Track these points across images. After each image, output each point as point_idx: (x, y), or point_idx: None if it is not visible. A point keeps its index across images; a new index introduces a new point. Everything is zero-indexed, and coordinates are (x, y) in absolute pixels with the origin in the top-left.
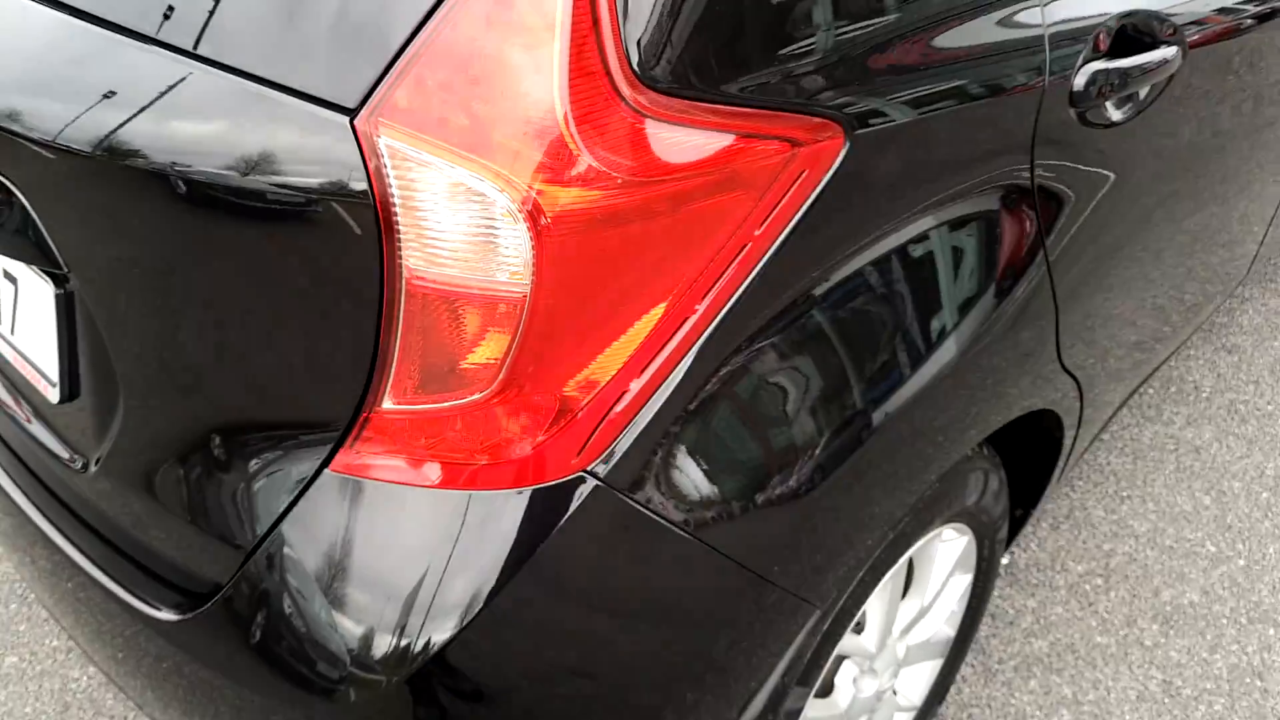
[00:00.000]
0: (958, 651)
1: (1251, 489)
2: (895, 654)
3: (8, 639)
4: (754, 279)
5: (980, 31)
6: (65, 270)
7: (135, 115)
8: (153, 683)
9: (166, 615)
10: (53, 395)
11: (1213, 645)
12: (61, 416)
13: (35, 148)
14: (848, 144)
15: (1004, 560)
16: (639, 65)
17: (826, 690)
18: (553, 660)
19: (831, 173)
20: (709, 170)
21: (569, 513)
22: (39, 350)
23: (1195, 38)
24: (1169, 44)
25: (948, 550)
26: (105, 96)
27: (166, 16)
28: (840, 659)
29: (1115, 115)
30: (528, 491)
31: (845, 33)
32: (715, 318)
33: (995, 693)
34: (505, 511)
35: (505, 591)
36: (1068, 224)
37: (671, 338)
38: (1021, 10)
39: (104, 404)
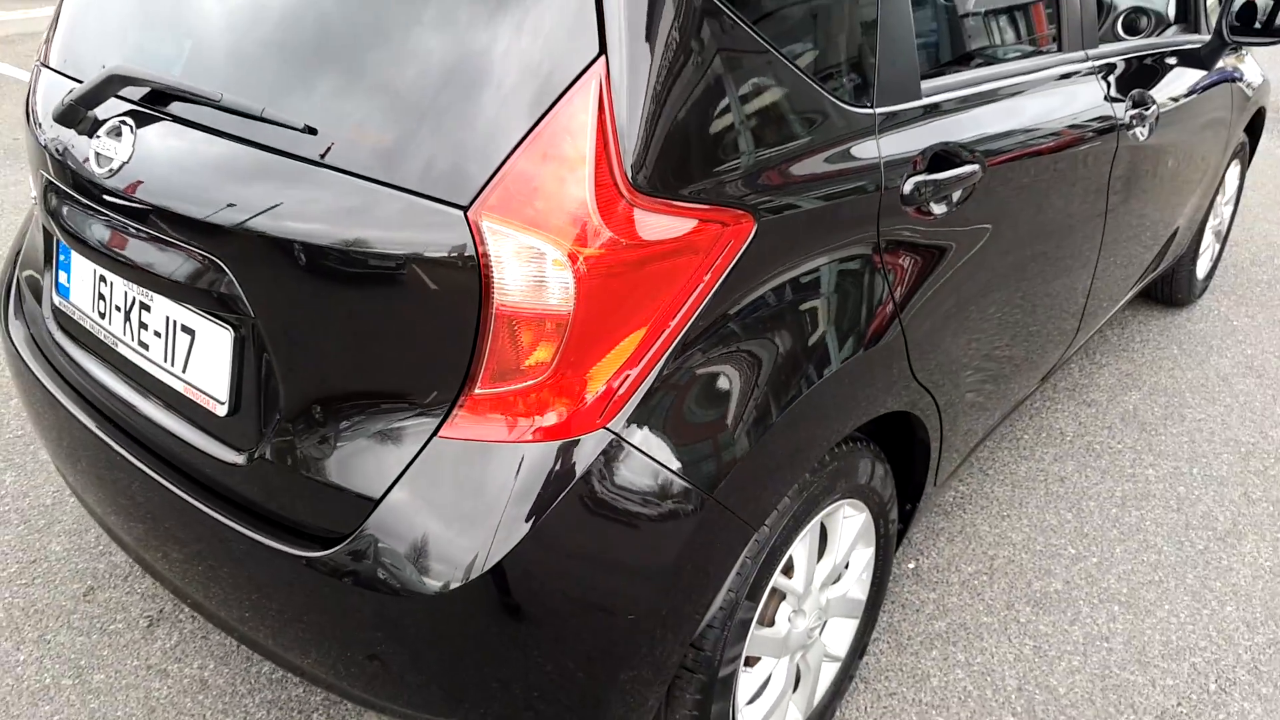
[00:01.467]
0: (870, 615)
1: (1104, 507)
2: (819, 602)
3: (94, 661)
4: (703, 307)
5: (838, 157)
6: (253, 317)
7: (314, 214)
8: (288, 613)
9: (316, 553)
10: (220, 411)
11: (1071, 620)
12: (224, 426)
13: (240, 236)
14: (756, 225)
15: (910, 565)
16: (632, 179)
17: (771, 623)
18: (580, 556)
19: (747, 242)
20: (675, 241)
21: (594, 455)
22: (208, 380)
23: (994, 160)
24: (971, 163)
25: (851, 524)
26: (293, 202)
27: (330, 148)
28: (779, 596)
29: (938, 209)
30: (567, 442)
31: (753, 158)
32: (680, 331)
33: (905, 660)
34: (552, 457)
35: (554, 508)
36: (908, 277)
37: (654, 343)
38: (864, 143)
39: (264, 412)
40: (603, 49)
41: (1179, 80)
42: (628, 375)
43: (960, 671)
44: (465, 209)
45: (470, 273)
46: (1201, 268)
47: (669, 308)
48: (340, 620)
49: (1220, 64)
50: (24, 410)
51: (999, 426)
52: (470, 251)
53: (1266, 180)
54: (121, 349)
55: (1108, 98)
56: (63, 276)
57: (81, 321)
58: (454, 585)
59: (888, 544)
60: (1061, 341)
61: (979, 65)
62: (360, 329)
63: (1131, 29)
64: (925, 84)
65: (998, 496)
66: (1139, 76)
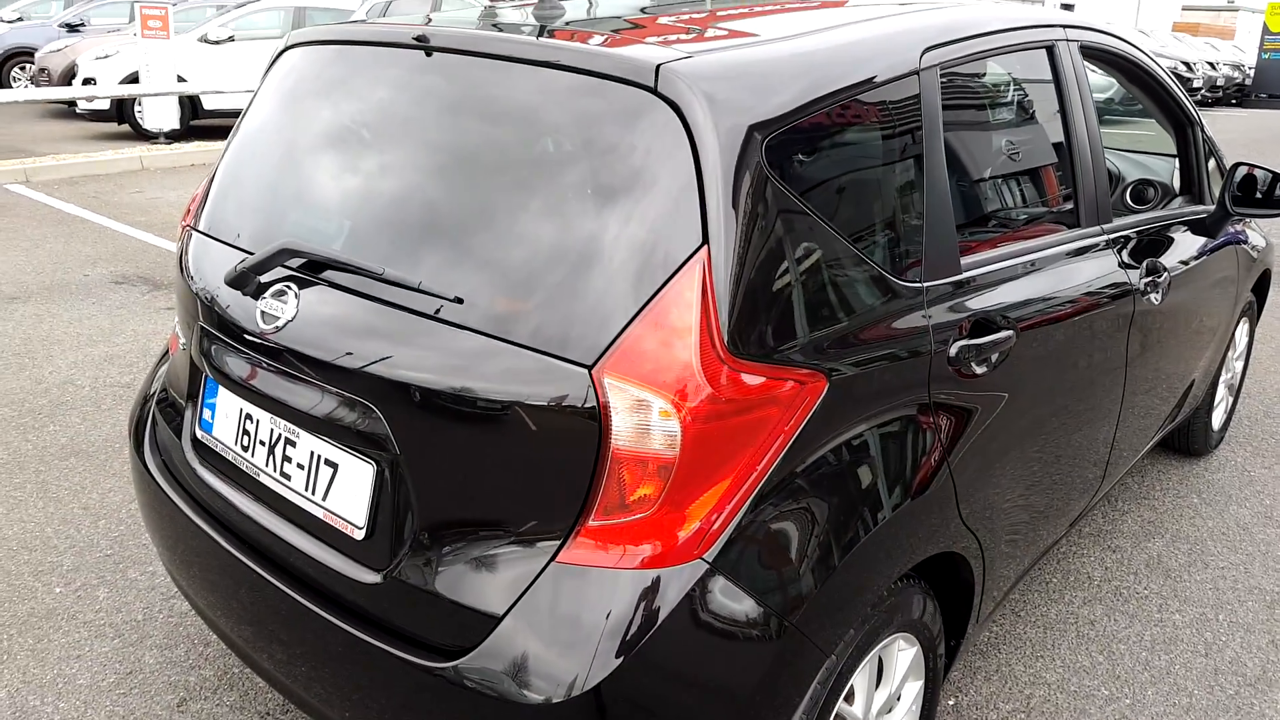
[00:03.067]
0: None
1: (1134, 650)
2: None
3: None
4: (784, 455)
5: (895, 324)
6: (398, 453)
7: (456, 369)
8: (399, 713)
9: (442, 664)
10: (358, 535)
11: None
12: (360, 548)
13: (393, 385)
14: (828, 384)
15: (950, 702)
16: (729, 344)
17: None
18: (675, 676)
19: (821, 398)
20: (764, 396)
21: (691, 583)
22: (348, 508)
23: (1023, 326)
24: (1005, 329)
25: (904, 657)
26: (440, 357)
27: (474, 313)
28: None
29: (979, 370)
30: (668, 570)
31: (825, 328)
32: (765, 475)
33: None
34: (654, 583)
35: (653, 632)
36: (957, 431)
37: (743, 485)
38: (916, 314)
39: (396, 536)
40: (705, 239)
41: (1187, 248)
42: (721, 513)
43: None
44: (590, 367)
45: (591, 420)
46: (1217, 419)
47: (756, 454)
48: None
49: (1226, 231)
50: (122, 529)
51: (1031, 570)
52: (592, 403)
53: (1275, 333)
54: (263, 478)
55: (1123, 266)
56: (207, 413)
57: (223, 453)
58: (561, 700)
59: (935, 677)
60: (1088, 489)
61: (1006, 242)
62: (490, 464)
63: (1140, 199)
64: (966, 259)
65: (1030, 638)
66: (1151, 246)
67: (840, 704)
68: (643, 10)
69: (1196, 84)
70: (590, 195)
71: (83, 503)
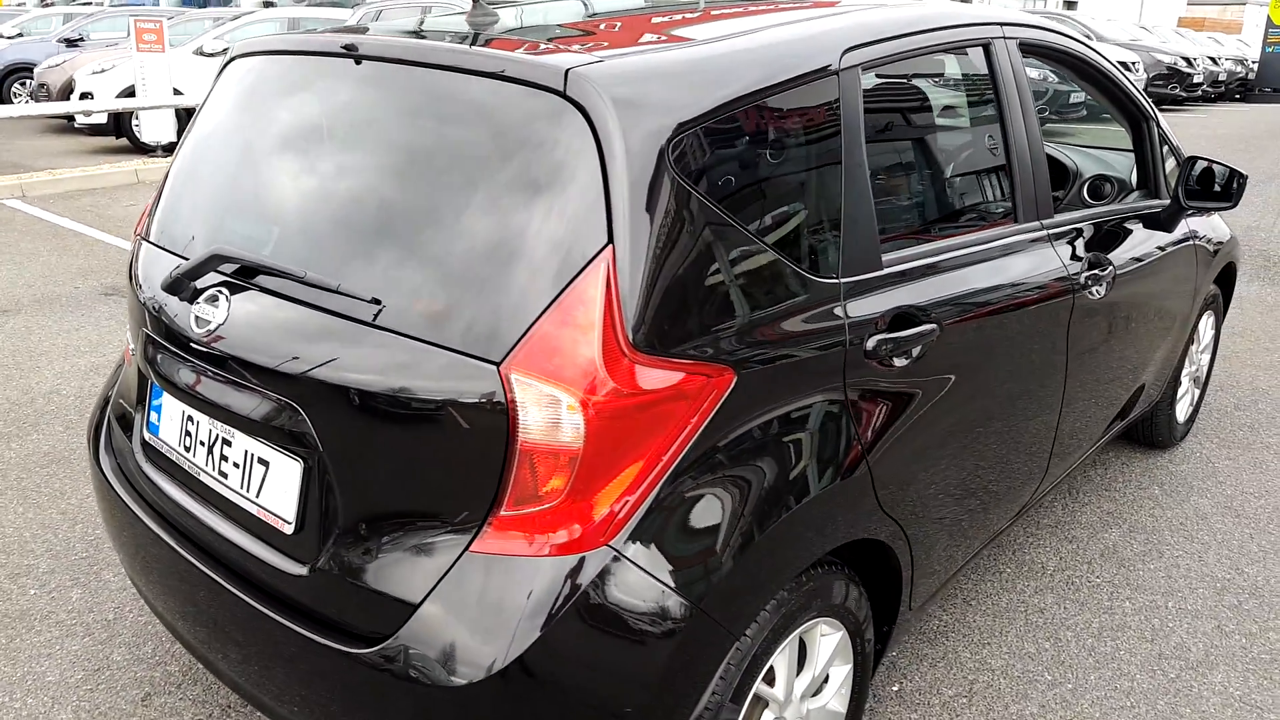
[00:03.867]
0: None
1: (1080, 637)
2: (799, 711)
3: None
4: (691, 445)
5: (808, 320)
6: (320, 451)
7: (373, 368)
8: (335, 703)
9: (362, 650)
10: (287, 529)
11: None
12: (290, 542)
13: (314, 385)
14: (737, 377)
15: (895, 688)
16: (632, 340)
17: None
18: (583, 658)
19: (729, 391)
20: (667, 390)
21: (598, 569)
22: (278, 504)
23: (951, 320)
24: (928, 323)
25: (828, 641)
26: (357, 357)
27: (388, 314)
28: (762, 703)
29: (900, 362)
30: (575, 557)
31: (732, 323)
32: (671, 465)
33: None
34: (563, 570)
35: (561, 615)
36: (875, 421)
37: (649, 475)
38: (831, 308)
39: (323, 530)
40: (610, 239)
41: (1137, 242)
42: (627, 501)
43: None
44: (498, 364)
45: (500, 415)
46: (1181, 412)
47: (662, 445)
48: (377, 709)
49: (1182, 226)
50: (98, 532)
51: (978, 558)
52: (500, 398)
53: (1255, 327)
54: (204, 477)
55: (1062, 261)
56: (154, 416)
57: (168, 454)
58: (475, 681)
59: (865, 661)
60: (1031, 480)
61: (937, 238)
62: (407, 460)
63: (1096, 195)
64: (888, 255)
65: (979, 625)
66: (1097, 240)
67: (759, 685)
68: (579, 18)
69: (1197, 79)
70: (501, 197)
71: (61, 508)
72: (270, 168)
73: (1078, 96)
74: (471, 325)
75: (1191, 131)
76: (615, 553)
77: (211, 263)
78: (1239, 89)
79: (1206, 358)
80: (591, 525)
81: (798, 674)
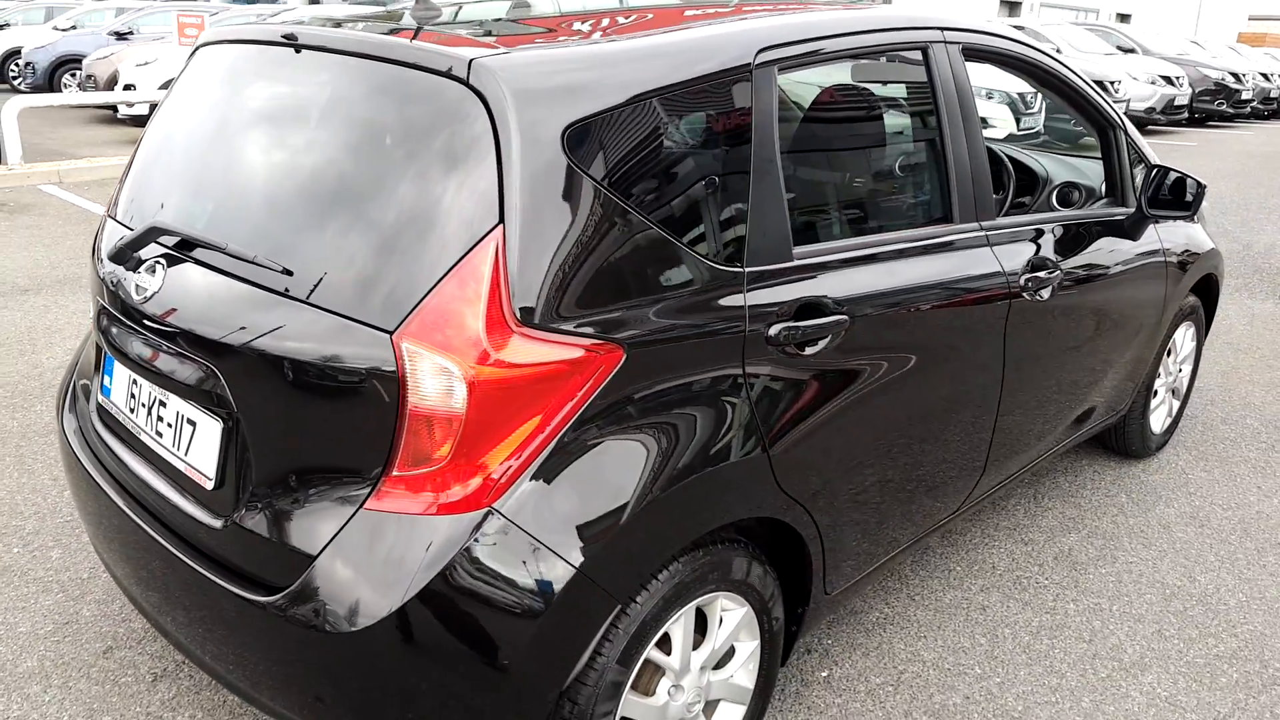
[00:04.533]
0: (758, 703)
1: (1018, 635)
2: (699, 682)
3: (105, 705)
4: (577, 416)
5: (705, 305)
6: (236, 412)
7: (280, 334)
8: (247, 647)
9: (263, 598)
10: (208, 485)
11: None
12: (211, 497)
13: (228, 349)
14: (626, 355)
15: (824, 674)
16: (518, 315)
17: (651, 693)
18: (465, 609)
19: (617, 368)
20: (550, 364)
21: (479, 528)
22: (203, 461)
23: (865, 311)
24: (838, 313)
25: (731, 616)
26: (267, 324)
27: (298, 284)
28: (658, 670)
29: (807, 350)
30: (460, 516)
31: (621, 303)
32: (556, 435)
33: None
34: (447, 527)
35: (444, 568)
36: (776, 406)
37: (533, 443)
38: (732, 295)
39: (238, 486)
40: (501, 219)
41: (1093, 249)
42: (511, 465)
43: None
44: (391, 333)
45: (392, 381)
46: (1156, 423)
47: (548, 415)
48: (281, 654)
49: (1149, 235)
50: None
51: (926, 554)
52: (392, 365)
53: (1261, 344)
54: (144, 437)
55: (1000, 263)
56: (106, 380)
57: (117, 416)
58: (361, 629)
59: (773, 640)
60: (965, 477)
61: (858, 234)
62: (311, 422)
63: (1065, 201)
64: (802, 248)
65: (919, 619)
66: (1048, 245)
67: (653, 651)
68: (514, 16)
69: (1246, 95)
70: (407, 177)
71: (53, 474)
72: (214, 148)
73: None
74: (370, 296)
75: (1232, 148)
76: (498, 513)
77: (150, 235)
78: None
79: (1187, 369)
80: (476, 488)
81: (699, 645)
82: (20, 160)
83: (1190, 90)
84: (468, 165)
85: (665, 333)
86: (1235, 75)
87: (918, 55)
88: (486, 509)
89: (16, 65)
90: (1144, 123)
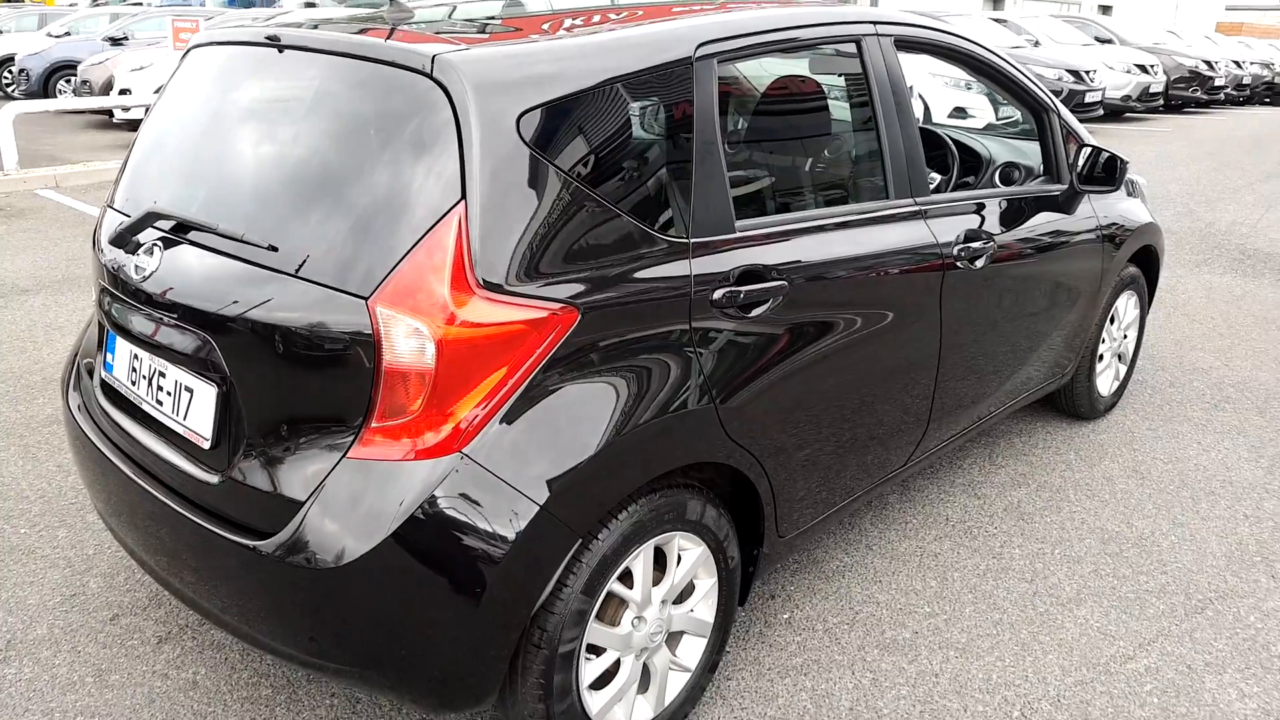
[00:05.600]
0: (718, 636)
1: (966, 577)
2: (660, 614)
3: (112, 666)
4: (536, 372)
5: (656, 271)
6: (229, 377)
7: (268, 305)
8: (243, 593)
9: (258, 543)
10: (205, 444)
11: (910, 660)
12: (207, 455)
13: (221, 320)
14: (580, 316)
15: (785, 616)
16: (480, 281)
17: (615, 623)
18: (439, 545)
19: (572, 328)
20: (510, 325)
21: (451, 471)
22: (199, 423)
23: (803, 277)
24: (777, 279)
25: (690, 554)
26: (256, 296)
27: (283, 258)
28: (621, 602)
29: (751, 313)
30: (433, 461)
31: (575, 270)
32: (518, 388)
33: (760, 685)
34: (422, 471)
35: (421, 507)
36: (722, 360)
37: (497, 395)
38: (678, 263)
39: (233, 444)
40: (464, 195)
41: (1028, 222)
42: (477, 415)
43: (805, 695)
44: (367, 299)
45: (369, 342)
46: (1104, 385)
47: (511, 369)
48: (273, 593)
49: (1085, 209)
50: (76, 469)
51: (885, 508)
52: (369, 328)
53: (1215, 315)
54: (145, 406)
55: (934, 234)
56: (109, 357)
57: (120, 389)
58: (346, 564)
59: (730, 577)
60: (909, 432)
61: (798, 209)
62: (296, 382)
63: (1007, 180)
64: (744, 221)
65: (875, 566)
66: (984, 218)
67: (615, 584)
68: (501, 14)
69: (1219, 82)
70: (380, 161)
71: (58, 462)
72: (206, 140)
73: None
74: (348, 268)
75: (1204, 133)
76: (467, 457)
77: (148, 220)
78: (1267, 93)
79: (1132, 335)
80: (447, 435)
81: (659, 582)
82: (16, 166)
83: (1165, 78)
84: (434, 149)
85: (616, 297)
86: (1208, 63)
87: (851, 47)
88: (457, 454)
89: (10, 72)
90: (1121, 110)
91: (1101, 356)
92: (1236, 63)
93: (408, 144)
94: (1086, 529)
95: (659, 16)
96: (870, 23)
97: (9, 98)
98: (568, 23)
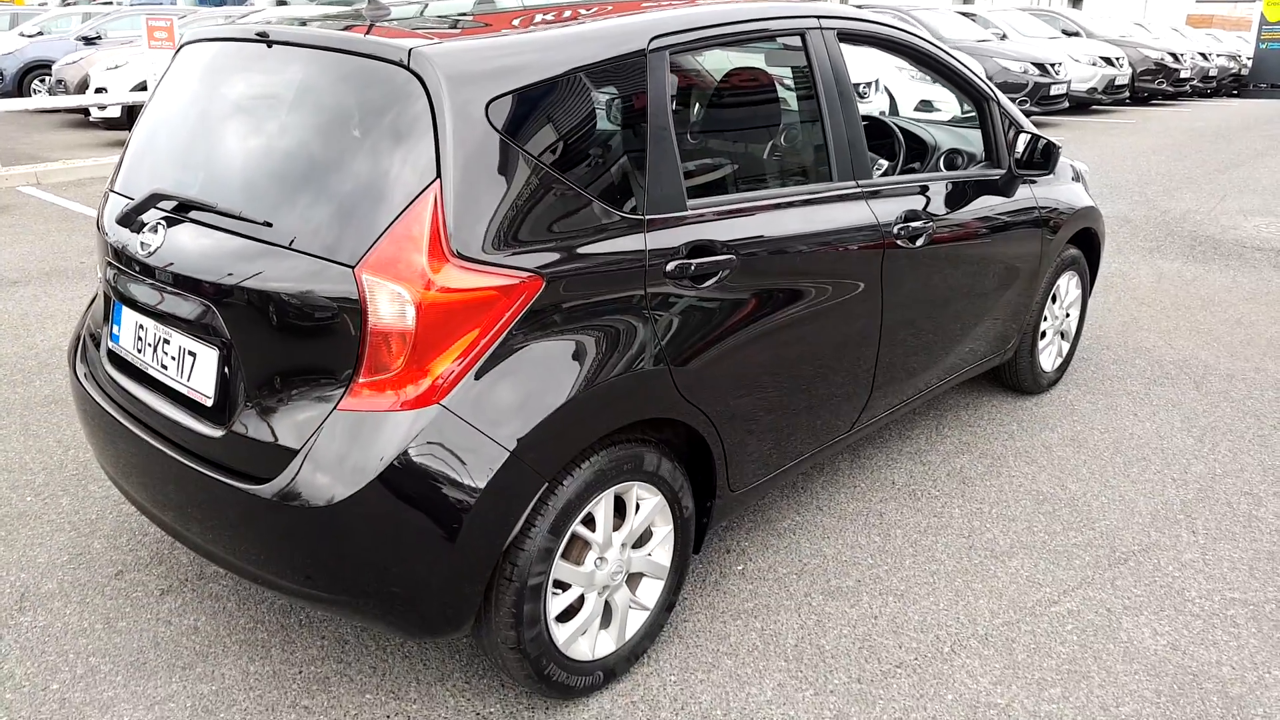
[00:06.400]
0: (674, 579)
1: (908, 534)
2: (621, 556)
3: (119, 615)
4: (507, 332)
5: (613, 244)
6: (229, 340)
7: (264, 274)
8: (248, 537)
9: (258, 489)
10: (208, 403)
11: (852, 604)
12: (209, 412)
13: (222, 289)
14: (545, 284)
15: (739, 568)
16: (455, 251)
17: (580, 562)
18: (421, 485)
19: (538, 294)
20: (481, 290)
21: (430, 419)
22: (202, 383)
23: (749, 251)
24: (726, 253)
25: (647, 503)
26: (253, 266)
27: (277, 232)
28: (585, 543)
29: (703, 284)
30: (416, 412)
31: (541, 242)
32: (490, 347)
33: (714, 626)
34: (405, 421)
35: (404, 452)
36: (674, 325)
37: (471, 353)
38: (634, 237)
39: (232, 401)
40: (439, 174)
41: (967, 204)
42: (453, 370)
43: (754, 634)
44: (353, 267)
45: (355, 307)
46: (1047, 361)
47: (483, 330)
48: (272, 532)
49: (1024, 193)
50: (87, 455)
51: (826, 471)
52: (355, 294)
53: (1164, 299)
54: (151, 371)
55: (874, 214)
56: (115, 329)
57: (126, 357)
58: (337, 502)
59: (685, 525)
60: (853, 399)
61: (747, 190)
62: (290, 343)
63: (951, 165)
64: (696, 200)
65: (824, 524)
66: (925, 200)
67: (579, 527)
68: (471, 11)
69: (1185, 74)
70: (364, 144)
71: (57, 438)
72: (202, 128)
73: None
74: (336, 240)
75: (1168, 124)
76: (445, 408)
77: (152, 200)
78: (1234, 85)
79: (1075, 313)
80: (426, 388)
81: (620, 527)
82: None
83: (1131, 70)
84: (411, 134)
85: (578, 267)
86: (1174, 55)
87: (797, 40)
88: (436, 405)
89: None
90: (1087, 103)
91: (1044, 334)
92: (1203, 55)
93: (387, 130)
94: (1023, 491)
95: (619, 12)
96: (815, 17)
97: None
98: (537, 18)
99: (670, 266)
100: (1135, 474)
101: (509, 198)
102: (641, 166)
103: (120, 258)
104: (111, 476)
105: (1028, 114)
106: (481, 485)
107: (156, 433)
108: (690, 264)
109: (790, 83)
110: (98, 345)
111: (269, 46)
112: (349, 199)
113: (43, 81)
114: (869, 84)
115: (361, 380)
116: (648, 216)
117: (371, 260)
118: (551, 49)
